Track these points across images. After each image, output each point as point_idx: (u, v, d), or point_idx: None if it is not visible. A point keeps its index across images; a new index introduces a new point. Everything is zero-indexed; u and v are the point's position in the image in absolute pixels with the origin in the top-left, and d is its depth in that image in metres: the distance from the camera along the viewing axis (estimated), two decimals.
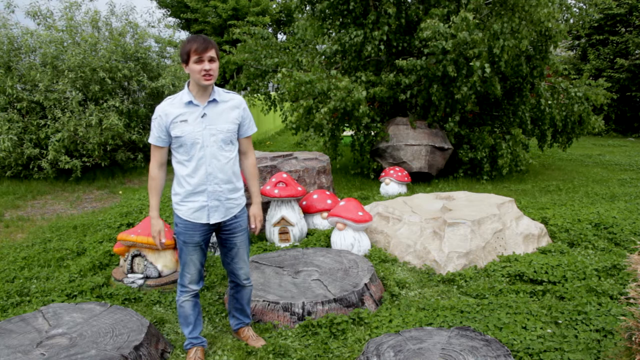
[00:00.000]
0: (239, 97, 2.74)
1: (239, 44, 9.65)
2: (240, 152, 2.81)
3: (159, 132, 2.59)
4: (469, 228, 4.15)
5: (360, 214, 4.41)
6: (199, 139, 2.56)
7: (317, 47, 9.06)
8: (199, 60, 2.48)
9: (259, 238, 4.97)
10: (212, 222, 2.67)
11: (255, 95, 10.05)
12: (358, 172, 8.44)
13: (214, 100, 2.61)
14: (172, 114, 2.56)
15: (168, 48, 11.45)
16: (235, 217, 2.75)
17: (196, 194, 2.62)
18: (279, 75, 7.35)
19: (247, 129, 2.77)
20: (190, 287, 2.76)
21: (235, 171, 2.71)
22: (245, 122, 2.74)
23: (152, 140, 2.63)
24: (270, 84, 9.29)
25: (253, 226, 2.85)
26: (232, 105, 2.67)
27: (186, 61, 2.52)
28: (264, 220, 4.06)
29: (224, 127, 2.62)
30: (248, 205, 2.86)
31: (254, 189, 2.87)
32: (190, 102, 2.57)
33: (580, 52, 16.32)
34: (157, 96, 9.99)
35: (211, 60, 2.51)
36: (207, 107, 2.59)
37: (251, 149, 2.86)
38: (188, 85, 2.61)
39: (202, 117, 2.58)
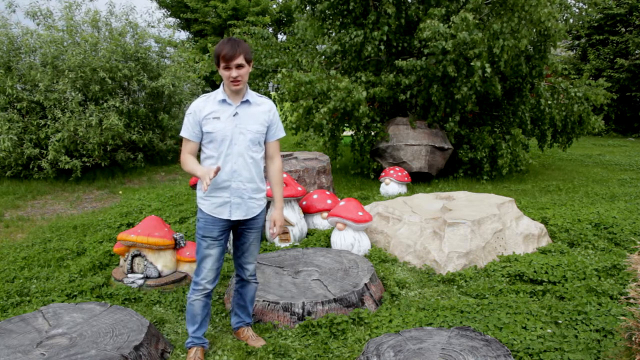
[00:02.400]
0: (270, 102, 2.85)
1: None
2: (267, 156, 2.89)
3: (193, 126, 2.69)
4: (469, 228, 4.15)
5: (360, 214, 4.41)
6: (229, 136, 2.66)
7: (317, 47, 9.05)
8: (227, 67, 2.58)
9: None
10: (233, 218, 2.75)
11: None
12: (358, 172, 8.43)
13: (247, 101, 2.72)
14: (205, 110, 2.67)
15: (168, 48, 11.45)
16: (255, 216, 2.84)
17: (220, 190, 2.71)
18: (279, 75, 7.35)
19: (274, 133, 2.85)
20: (203, 285, 2.79)
21: (259, 172, 2.80)
22: (273, 126, 2.83)
23: (185, 134, 2.71)
24: (270, 84, 9.28)
25: (272, 231, 2.90)
26: (263, 109, 2.78)
27: (217, 64, 2.63)
28: (264, 220, 4.07)
29: (254, 128, 2.72)
30: (267, 205, 2.88)
31: (277, 194, 2.93)
32: (223, 101, 2.69)
33: (580, 52, 16.32)
34: (157, 96, 9.99)
35: (239, 66, 2.59)
36: (239, 107, 2.70)
37: (278, 154, 2.92)
38: (223, 85, 2.71)
39: (234, 115, 2.68)
